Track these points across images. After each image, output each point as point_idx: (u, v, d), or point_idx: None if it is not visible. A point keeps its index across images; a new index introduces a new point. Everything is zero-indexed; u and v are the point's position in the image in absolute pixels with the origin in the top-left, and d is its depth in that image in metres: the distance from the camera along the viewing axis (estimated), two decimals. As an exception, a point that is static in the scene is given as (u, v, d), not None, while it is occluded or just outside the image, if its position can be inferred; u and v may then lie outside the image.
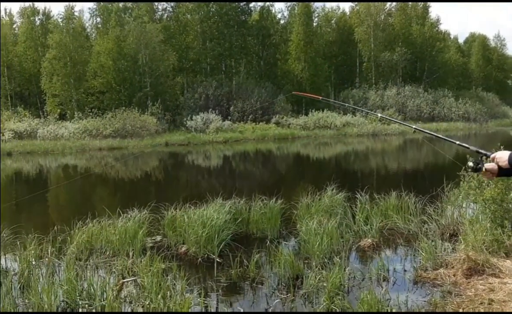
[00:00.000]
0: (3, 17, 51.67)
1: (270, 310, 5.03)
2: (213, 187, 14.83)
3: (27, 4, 48.99)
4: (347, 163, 23.97)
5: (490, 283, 5.10)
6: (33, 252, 6.69)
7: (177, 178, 19.99)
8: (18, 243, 7.08)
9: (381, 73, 55.09)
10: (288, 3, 57.32)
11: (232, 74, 48.68)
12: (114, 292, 5.25)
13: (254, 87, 45.36)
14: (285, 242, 7.51)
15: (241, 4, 49.63)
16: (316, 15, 58.87)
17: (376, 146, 32.58)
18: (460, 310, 4.51)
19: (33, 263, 6.46)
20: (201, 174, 20.96)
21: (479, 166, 3.06)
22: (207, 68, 48.68)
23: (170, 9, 51.42)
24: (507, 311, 4.42)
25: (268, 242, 6.90)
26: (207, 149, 32.05)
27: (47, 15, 48.46)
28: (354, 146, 32.44)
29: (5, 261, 6.82)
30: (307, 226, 7.32)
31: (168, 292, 5.18)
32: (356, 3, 58.57)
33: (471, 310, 4.49)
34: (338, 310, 4.74)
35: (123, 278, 5.91)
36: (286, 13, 60.09)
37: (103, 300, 5.09)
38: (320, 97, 5.32)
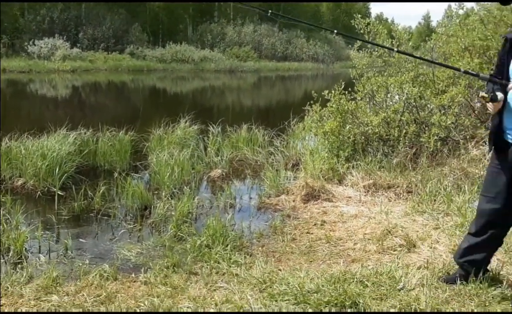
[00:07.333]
0: None
1: (115, 240, 4.90)
2: (58, 118, 13.64)
3: None
4: (203, 98, 24.00)
5: (324, 207, 5.59)
6: None
7: (17, 107, 18.07)
8: None
9: (239, 9, 55.18)
10: None
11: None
12: None
13: (106, 13, 42.32)
14: (135, 174, 7.30)
15: None
16: None
17: (232, 83, 33.12)
18: (296, 231, 4.88)
19: None
20: (45, 104, 19.32)
21: (493, 94, 2.86)
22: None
23: None
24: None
25: (117, 174, 6.63)
26: (53, 79, 29.54)
27: None
28: (211, 82, 32.54)
29: None
30: (158, 158, 7.21)
31: (2, 227, 4.73)
32: None
33: (305, 231, 4.89)
34: (185, 236, 4.76)
35: None
36: None
37: None
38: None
